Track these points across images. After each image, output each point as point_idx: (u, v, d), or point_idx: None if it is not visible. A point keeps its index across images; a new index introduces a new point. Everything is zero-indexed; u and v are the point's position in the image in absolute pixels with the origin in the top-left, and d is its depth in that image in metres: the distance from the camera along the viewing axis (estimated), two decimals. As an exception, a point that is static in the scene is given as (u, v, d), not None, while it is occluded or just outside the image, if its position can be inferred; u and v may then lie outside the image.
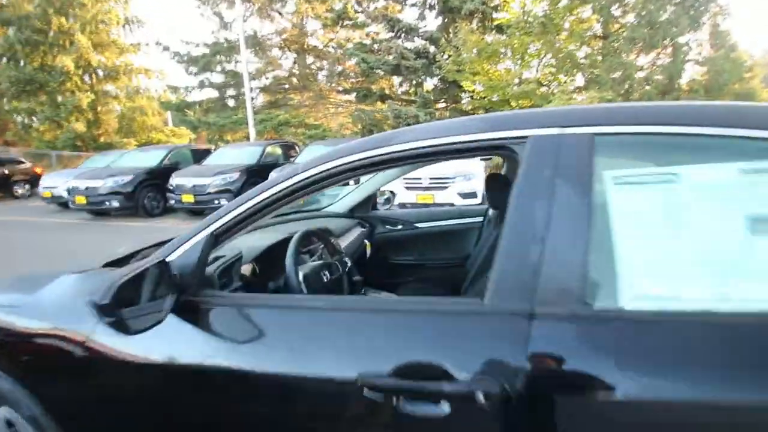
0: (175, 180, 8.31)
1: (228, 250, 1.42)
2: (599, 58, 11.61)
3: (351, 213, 2.70)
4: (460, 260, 2.52)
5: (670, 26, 10.39)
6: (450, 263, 2.58)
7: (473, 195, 6.71)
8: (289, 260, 1.37)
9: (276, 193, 1.04)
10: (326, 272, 1.54)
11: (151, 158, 9.43)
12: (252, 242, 1.61)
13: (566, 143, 0.85)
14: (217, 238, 1.06)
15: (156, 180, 8.74)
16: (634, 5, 11.00)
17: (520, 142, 0.90)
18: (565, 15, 11.22)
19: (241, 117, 15.33)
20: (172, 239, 1.12)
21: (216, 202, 7.54)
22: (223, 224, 1.06)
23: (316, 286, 1.43)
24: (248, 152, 9.11)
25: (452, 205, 6.51)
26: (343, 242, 2.25)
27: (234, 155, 9.12)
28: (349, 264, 1.97)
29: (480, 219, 2.57)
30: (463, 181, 6.67)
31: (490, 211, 2.46)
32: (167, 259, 1.02)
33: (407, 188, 6.59)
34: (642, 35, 10.55)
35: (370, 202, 2.76)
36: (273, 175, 8.49)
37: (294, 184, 1.04)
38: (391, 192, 2.91)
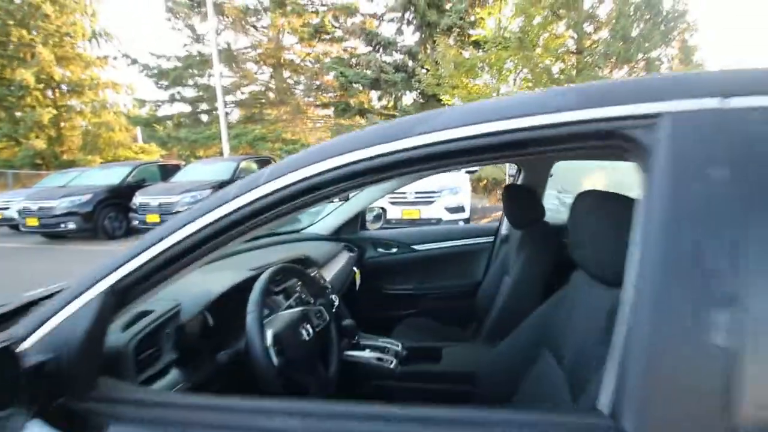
0: (138, 198, 7.68)
1: (162, 300, 0.98)
2: (574, 72, 11.75)
3: (336, 235, 2.28)
4: (467, 288, 2.13)
5: (643, 41, 10.61)
6: (456, 293, 2.18)
7: (461, 209, 6.43)
8: (251, 317, 0.94)
9: (224, 218, 0.63)
10: (307, 325, 1.10)
11: (113, 175, 8.76)
12: (202, 283, 1.16)
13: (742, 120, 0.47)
14: (121, 295, 0.63)
15: (118, 199, 8.08)
16: (607, 21, 11.24)
17: (646, 123, 0.51)
18: (540, 31, 11.34)
19: (214, 132, 14.70)
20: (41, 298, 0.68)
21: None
22: (133, 271, 0.62)
23: (292, 352, 1.00)
24: (221, 168, 8.57)
25: (439, 220, 6.17)
26: (328, 272, 1.81)
27: (206, 171, 8.56)
28: (336, 303, 1.54)
29: (489, 239, 2.19)
30: (450, 195, 6.37)
31: (503, 229, 2.09)
32: (21, 346, 0.57)
33: (392, 203, 6.21)
34: (616, 49, 10.73)
35: (358, 220, 2.35)
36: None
37: (256, 200, 0.62)
38: (382, 209, 2.49)
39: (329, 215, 2.29)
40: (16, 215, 8.24)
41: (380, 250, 2.35)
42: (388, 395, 1.36)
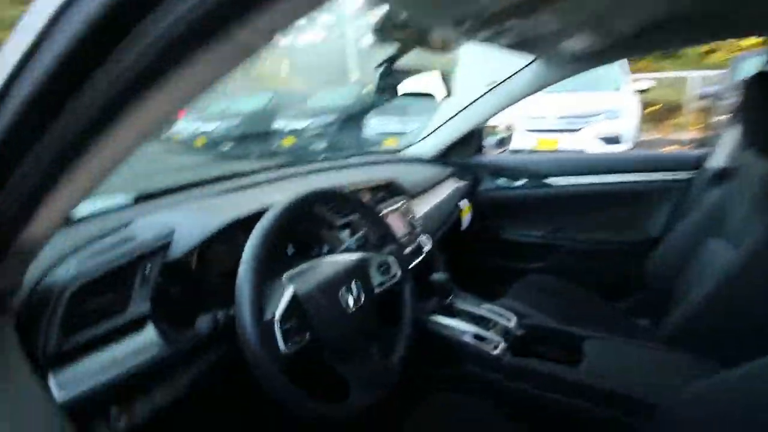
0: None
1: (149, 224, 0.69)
2: None
3: (442, 157, 1.77)
4: (631, 247, 1.45)
5: None
6: (610, 250, 1.53)
7: (615, 140, 5.04)
8: (244, 270, 0.59)
9: None
10: (355, 286, 0.71)
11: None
12: (221, 205, 0.84)
13: None
14: None
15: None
16: None
17: None
18: None
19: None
20: None
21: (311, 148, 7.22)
22: None
23: (322, 328, 0.65)
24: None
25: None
26: (424, 205, 1.36)
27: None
28: (427, 248, 1.10)
29: (679, 176, 1.41)
30: (607, 121, 5.02)
31: (718, 160, 1.29)
32: None
33: (526, 130, 5.21)
34: None
35: (473, 141, 1.78)
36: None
37: None
38: (509, 129, 1.85)
39: (435, 133, 1.77)
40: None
41: (501, 181, 1.76)
42: (484, 398, 0.92)
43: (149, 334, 0.63)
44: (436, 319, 1.07)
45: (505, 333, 1.03)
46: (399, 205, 1.20)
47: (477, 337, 0.99)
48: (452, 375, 1.02)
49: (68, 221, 0.80)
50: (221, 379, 0.68)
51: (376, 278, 0.79)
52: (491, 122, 2.01)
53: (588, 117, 5.05)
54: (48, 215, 0.40)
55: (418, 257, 1.15)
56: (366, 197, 1.14)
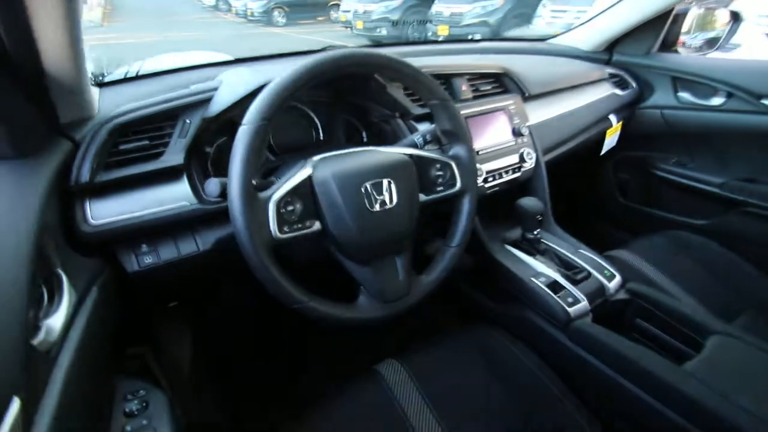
0: (434, 7, 7.54)
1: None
2: None
3: (605, 54, 1.34)
4: None
5: None
6: None
7: None
8: (244, 132, 0.51)
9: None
10: (391, 186, 0.59)
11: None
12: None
13: None
14: None
15: (423, 6, 8.18)
16: None
17: None
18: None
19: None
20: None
21: (470, 37, 6.48)
22: None
23: (335, 228, 0.57)
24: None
25: None
26: (545, 110, 1.07)
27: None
28: (528, 165, 0.89)
29: None
30: None
31: None
32: None
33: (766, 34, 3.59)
34: None
35: (656, 33, 1.26)
36: None
37: None
38: (735, 18, 1.24)
39: (600, 16, 1.28)
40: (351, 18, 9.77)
41: (685, 95, 1.24)
42: (543, 354, 0.75)
43: (183, 186, 0.64)
44: (511, 250, 0.88)
45: (598, 293, 0.80)
46: (506, 103, 0.94)
47: (553, 286, 0.78)
48: (510, 314, 0.86)
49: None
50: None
51: (428, 183, 0.64)
52: (701, 5, 1.38)
53: None
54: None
55: (512, 173, 0.92)
56: (463, 86, 0.91)
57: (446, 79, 0.91)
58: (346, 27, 11.37)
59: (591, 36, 1.34)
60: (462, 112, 0.87)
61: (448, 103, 0.64)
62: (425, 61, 0.93)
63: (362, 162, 0.58)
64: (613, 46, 1.33)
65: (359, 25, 9.27)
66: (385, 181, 0.58)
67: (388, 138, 0.82)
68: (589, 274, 0.82)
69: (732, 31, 1.34)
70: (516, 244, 0.91)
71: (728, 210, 1.20)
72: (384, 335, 1.04)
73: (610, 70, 1.29)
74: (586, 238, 1.61)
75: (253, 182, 0.51)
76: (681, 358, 0.67)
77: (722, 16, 1.37)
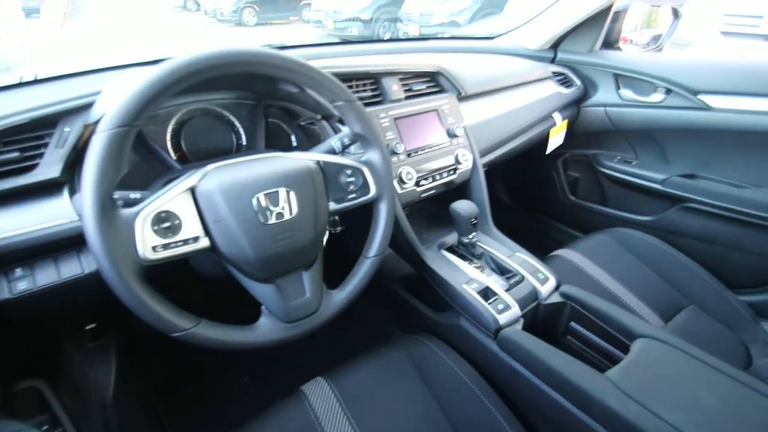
0: (404, 6, 7.55)
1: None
2: None
3: (550, 51, 1.34)
4: None
5: None
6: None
7: None
8: (99, 131, 0.44)
9: None
10: (289, 195, 0.54)
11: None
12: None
13: None
14: None
15: (394, 6, 8.18)
16: None
17: None
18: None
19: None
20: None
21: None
22: None
23: (219, 237, 0.52)
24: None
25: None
26: (483, 110, 1.05)
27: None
28: (463, 168, 0.86)
29: None
30: None
31: None
32: None
33: (724, 33, 3.74)
34: None
35: (601, 29, 1.27)
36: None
37: None
38: (675, 12, 1.25)
39: (543, 14, 1.27)
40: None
41: (626, 92, 1.24)
42: (474, 361, 0.72)
43: (62, 201, 0.57)
44: (446, 256, 0.85)
45: (530, 297, 0.77)
46: (439, 103, 0.91)
47: (485, 292, 0.76)
48: (446, 323, 0.83)
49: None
50: None
51: (339, 190, 0.60)
52: (646, 2, 1.39)
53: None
54: None
55: (448, 176, 0.89)
56: (393, 86, 0.87)
57: (375, 78, 0.87)
58: (318, 26, 11.26)
59: (536, 34, 1.33)
60: (391, 112, 0.83)
61: (354, 104, 0.59)
62: (353, 60, 0.89)
63: (258, 171, 0.53)
64: (557, 44, 1.33)
65: (330, 24, 9.18)
66: (282, 191, 0.53)
67: (318, 142, 0.77)
68: (523, 279, 0.79)
69: (673, 28, 1.36)
70: (452, 249, 0.88)
71: (671, 206, 1.21)
72: (315, 350, 0.99)
73: (553, 68, 1.28)
74: (537, 237, 1.62)
75: (115, 197, 0.45)
76: (614, 361, 0.65)
77: (666, 14, 1.39)
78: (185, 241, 0.48)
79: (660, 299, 0.99)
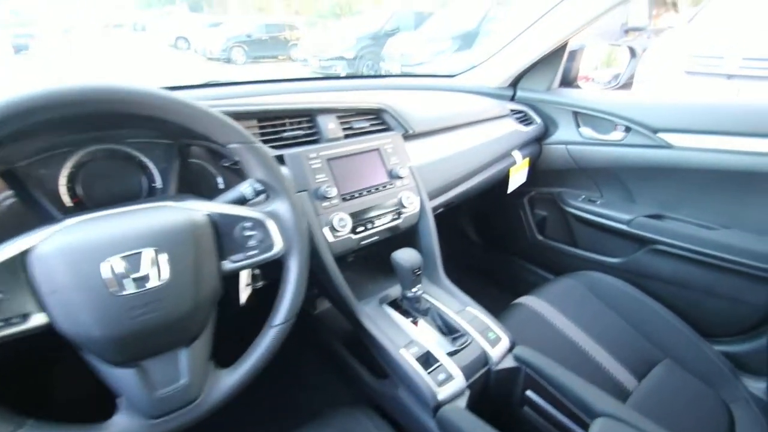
0: (386, 48, 7.82)
1: None
2: None
3: (510, 89, 1.31)
4: None
5: None
6: (744, 264, 0.97)
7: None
8: None
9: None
10: (156, 258, 0.44)
11: (373, 23, 9.12)
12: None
13: None
14: None
15: (376, 47, 8.47)
16: None
17: None
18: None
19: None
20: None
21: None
22: None
23: (58, 311, 0.40)
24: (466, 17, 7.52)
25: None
26: (436, 149, 0.99)
27: (451, 20, 7.74)
28: (408, 212, 0.78)
29: None
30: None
31: None
32: None
33: (689, 72, 3.90)
34: None
35: (557, 68, 1.24)
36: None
37: None
38: (632, 51, 1.23)
39: (502, 52, 1.25)
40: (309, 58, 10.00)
41: (587, 130, 1.21)
42: None
43: None
44: (388, 313, 0.75)
45: (479, 363, 0.67)
46: (381, 142, 0.84)
47: (426, 358, 0.65)
48: (385, 392, 0.72)
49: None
50: None
51: (236, 246, 0.51)
52: (606, 43, 1.40)
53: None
54: None
55: (391, 221, 0.81)
56: (330, 124, 0.81)
57: (310, 116, 0.80)
58: (305, 65, 11.55)
59: (495, 72, 1.30)
60: (324, 153, 0.76)
61: (253, 146, 0.51)
62: (287, 98, 0.82)
63: (119, 228, 0.44)
64: (516, 82, 1.30)
65: (315, 63, 9.44)
66: (147, 252, 0.43)
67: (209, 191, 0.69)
68: (471, 340, 0.70)
69: (632, 66, 1.35)
70: (395, 304, 0.78)
71: (639, 248, 1.14)
72: (252, 418, 0.86)
73: (513, 106, 1.25)
74: (508, 278, 1.53)
75: None
76: None
77: (624, 53, 1.39)
78: (7, 321, 0.38)
79: (632, 353, 0.90)
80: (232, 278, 0.69)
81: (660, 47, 4.30)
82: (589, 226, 1.24)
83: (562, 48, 1.19)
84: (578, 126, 1.22)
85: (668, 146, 1.07)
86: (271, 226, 0.52)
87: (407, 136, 0.91)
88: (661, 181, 1.13)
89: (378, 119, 0.91)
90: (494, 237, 1.59)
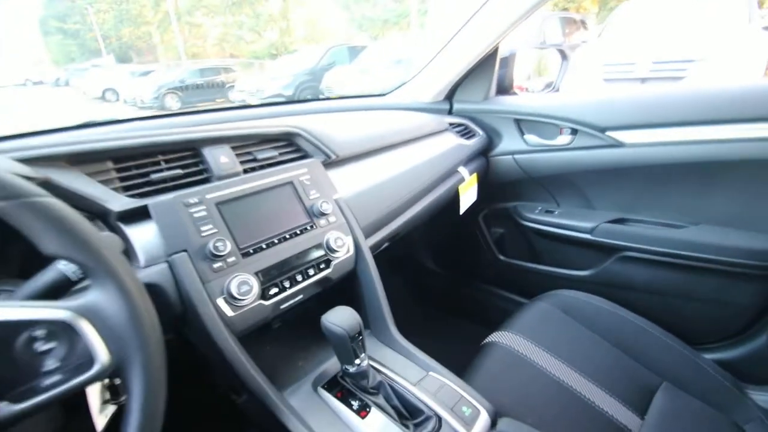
0: (324, 82, 7.91)
1: None
2: None
3: (445, 102, 1.19)
4: (756, 269, 0.79)
5: None
6: (721, 262, 0.87)
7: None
8: None
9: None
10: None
11: (309, 59, 9.24)
12: None
13: None
14: None
15: (314, 82, 8.52)
16: None
17: None
18: None
19: (406, 9, 13.63)
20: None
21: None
22: None
23: None
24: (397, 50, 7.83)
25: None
26: (369, 175, 0.82)
27: (383, 53, 8.03)
28: (340, 257, 0.59)
29: None
30: (721, 65, 3.81)
31: None
32: None
33: (606, 80, 4.15)
34: None
35: (491, 75, 1.15)
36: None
37: None
38: (562, 53, 1.16)
39: (429, 67, 1.15)
40: (247, 96, 9.87)
41: (532, 138, 1.11)
42: None
43: None
44: (325, 399, 0.55)
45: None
46: (294, 173, 0.66)
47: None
48: None
49: None
50: None
51: (23, 372, 0.30)
52: (534, 53, 1.34)
53: (696, 60, 3.84)
54: None
55: (317, 272, 0.62)
56: (222, 157, 0.62)
57: (193, 149, 0.61)
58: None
59: (428, 86, 1.19)
60: (210, 195, 0.56)
61: (33, 202, 0.32)
62: (162, 131, 0.63)
63: None
64: (451, 94, 1.20)
65: (254, 102, 9.24)
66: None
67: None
68: (440, 423, 0.51)
69: (564, 68, 1.30)
70: (335, 382, 0.58)
71: (608, 257, 1.03)
72: None
73: (451, 119, 1.13)
74: (476, 308, 1.38)
75: None
76: None
77: (554, 57, 1.34)
78: None
79: (628, 384, 0.76)
80: (72, 407, 0.46)
81: (577, 61, 4.59)
82: (550, 240, 1.13)
83: (492, 55, 1.10)
84: (522, 134, 1.12)
85: (619, 144, 0.98)
86: (87, 329, 0.32)
87: (329, 163, 0.74)
88: (617, 182, 1.04)
89: (290, 146, 0.73)
90: (454, 263, 1.44)
